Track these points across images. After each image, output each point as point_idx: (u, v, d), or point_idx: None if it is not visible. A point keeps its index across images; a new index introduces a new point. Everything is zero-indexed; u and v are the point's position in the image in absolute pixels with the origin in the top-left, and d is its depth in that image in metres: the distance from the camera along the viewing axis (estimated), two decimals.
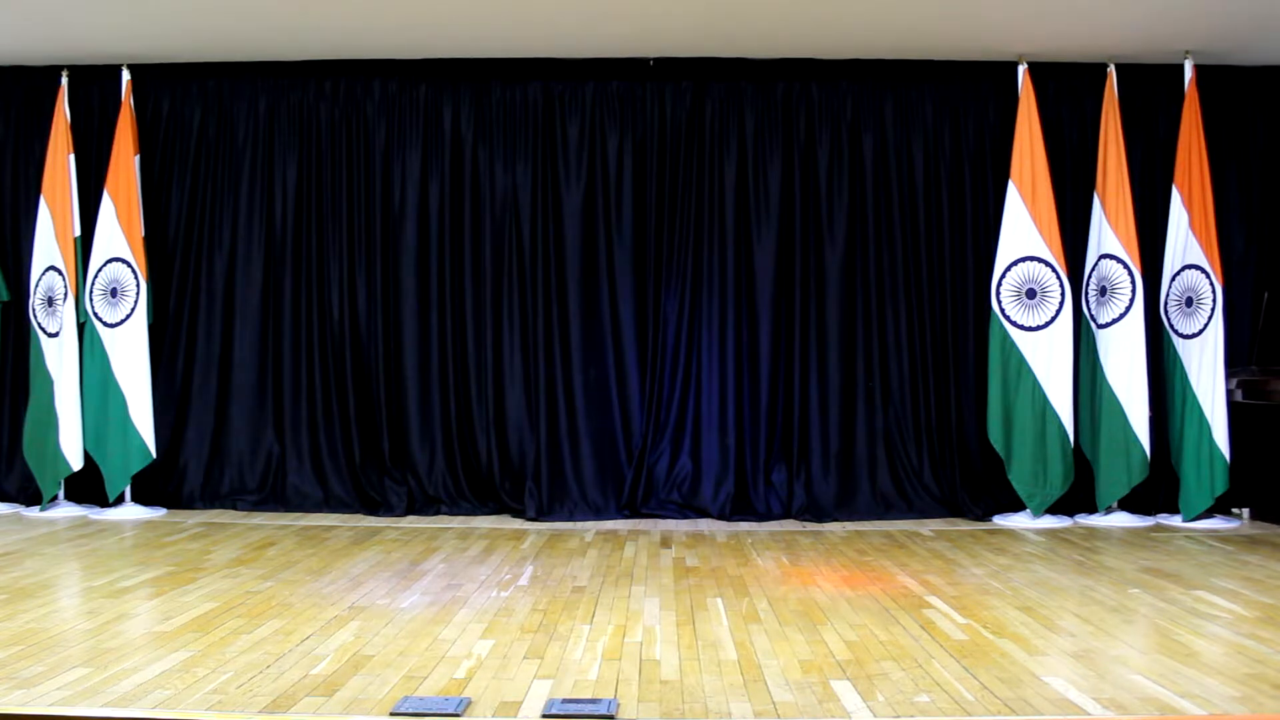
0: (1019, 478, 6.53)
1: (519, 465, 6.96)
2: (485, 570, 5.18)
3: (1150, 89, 6.88)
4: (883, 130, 6.99)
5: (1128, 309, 6.45)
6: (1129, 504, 6.60)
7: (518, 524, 6.60)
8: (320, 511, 6.87)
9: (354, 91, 7.08)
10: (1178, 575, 5.05)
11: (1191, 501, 6.44)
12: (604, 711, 3.07)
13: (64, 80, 6.84)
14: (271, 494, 7.00)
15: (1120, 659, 3.64)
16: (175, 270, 7.07)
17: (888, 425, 6.92)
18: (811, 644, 3.84)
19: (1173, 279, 6.56)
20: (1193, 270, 6.51)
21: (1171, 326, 6.58)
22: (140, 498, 6.81)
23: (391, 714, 3.06)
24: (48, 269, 6.73)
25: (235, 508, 6.93)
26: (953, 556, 5.53)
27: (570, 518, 6.73)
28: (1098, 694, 3.24)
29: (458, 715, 3.05)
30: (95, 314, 6.68)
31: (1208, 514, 6.49)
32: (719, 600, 4.54)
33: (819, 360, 6.93)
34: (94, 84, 7.02)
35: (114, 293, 6.68)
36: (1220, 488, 6.40)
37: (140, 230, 6.73)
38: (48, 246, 6.73)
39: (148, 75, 6.98)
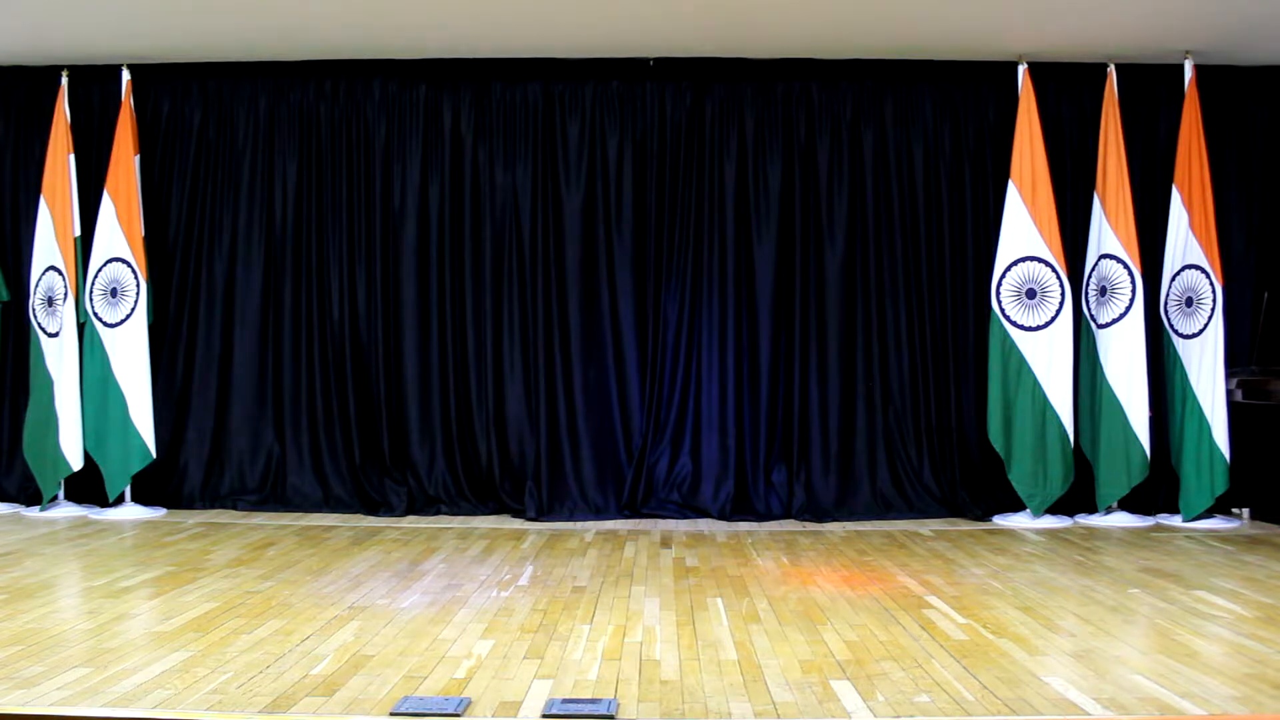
0: (1019, 478, 6.53)
1: (519, 465, 6.96)
2: (485, 570, 5.18)
3: (1150, 89, 6.87)
4: (883, 130, 7.00)
5: (1128, 309, 6.45)
6: (1129, 504, 6.60)
7: (518, 524, 6.60)
8: (320, 511, 6.87)
9: (354, 91, 7.08)
10: (1178, 575, 5.05)
11: (1191, 501, 6.44)
12: (604, 711, 3.07)
13: (64, 80, 6.84)
14: (271, 494, 7.00)
15: (1120, 659, 3.64)
16: (175, 270, 7.07)
17: (888, 425, 6.92)
18: (811, 644, 3.84)
19: (1173, 279, 6.56)
20: (1193, 270, 6.51)
21: (1171, 326, 6.58)
22: (140, 498, 6.81)
23: (391, 714, 3.06)
24: (48, 269, 6.73)
25: (235, 508, 6.93)
26: (953, 556, 5.53)
27: (570, 518, 6.73)
28: (1098, 694, 3.24)
29: (458, 715, 3.05)
30: (95, 314, 6.68)
31: (1208, 514, 6.49)
32: (719, 600, 4.54)
33: (819, 360, 6.94)
34: (94, 84, 7.02)
35: (114, 293, 6.68)
36: (1220, 488, 6.40)
37: (140, 230, 6.73)
38: (48, 246, 6.73)
39: (148, 75, 6.98)
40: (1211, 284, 6.46)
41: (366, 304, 7.04)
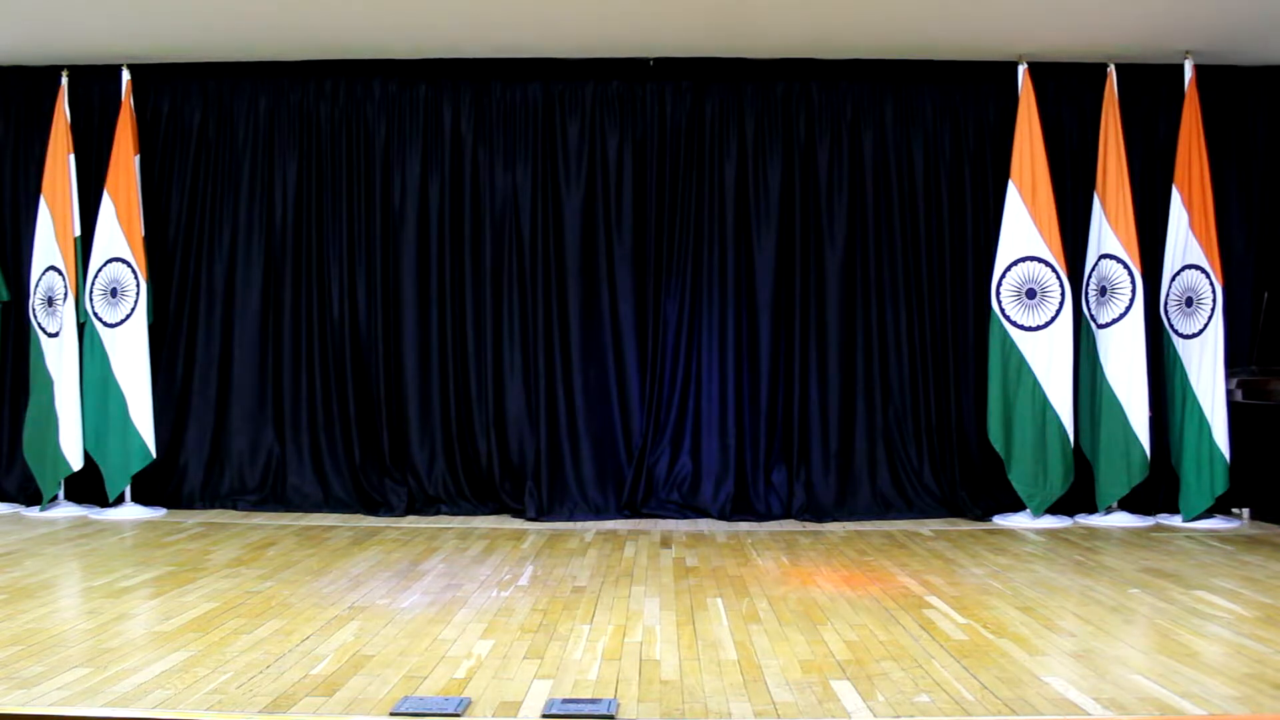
0: (1019, 478, 6.53)
1: (519, 465, 6.96)
2: (485, 570, 5.18)
3: (1150, 89, 6.88)
4: (883, 130, 7.00)
5: (1128, 309, 6.45)
6: (1129, 504, 6.60)
7: (518, 524, 6.60)
8: (320, 511, 6.87)
9: (354, 91, 7.08)
10: (1178, 575, 5.05)
11: (1191, 501, 6.45)
12: (604, 711, 3.07)
13: (64, 80, 6.84)
14: (271, 494, 7.00)
15: (1120, 659, 3.64)
16: (175, 270, 7.07)
17: (888, 425, 6.92)
18: (811, 644, 3.84)
19: (1173, 279, 6.56)
20: (1193, 270, 6.51)
21: (1171, 326, 6.58)
22: (140, 498, 6.81)
23: (391, 714, 3.06)
24: (48, 269, 6.73)
25: (235, 508, 6.93)
26: (953, 556, 5.53)
27: (570, 518, 6.73)
28: (1098, 694, 3.24)
29: (458, 715, 3.05)
30: (95, 314, 6.68)
31: (1208, 514, 6.49)
32: (719, 600, 4.54)
33: (819, 360, 6.94)
34: (94, 84, 7.02)
35: (114, 293, 6.68)
36: (1220, 488, 6.40)
37: (140, 230, 6.73)
38: (48, 246, 6.73)
39: (148, 75, 6.98)
40: (1211, 284, 6.46)
41: (366, 304, 7.04)
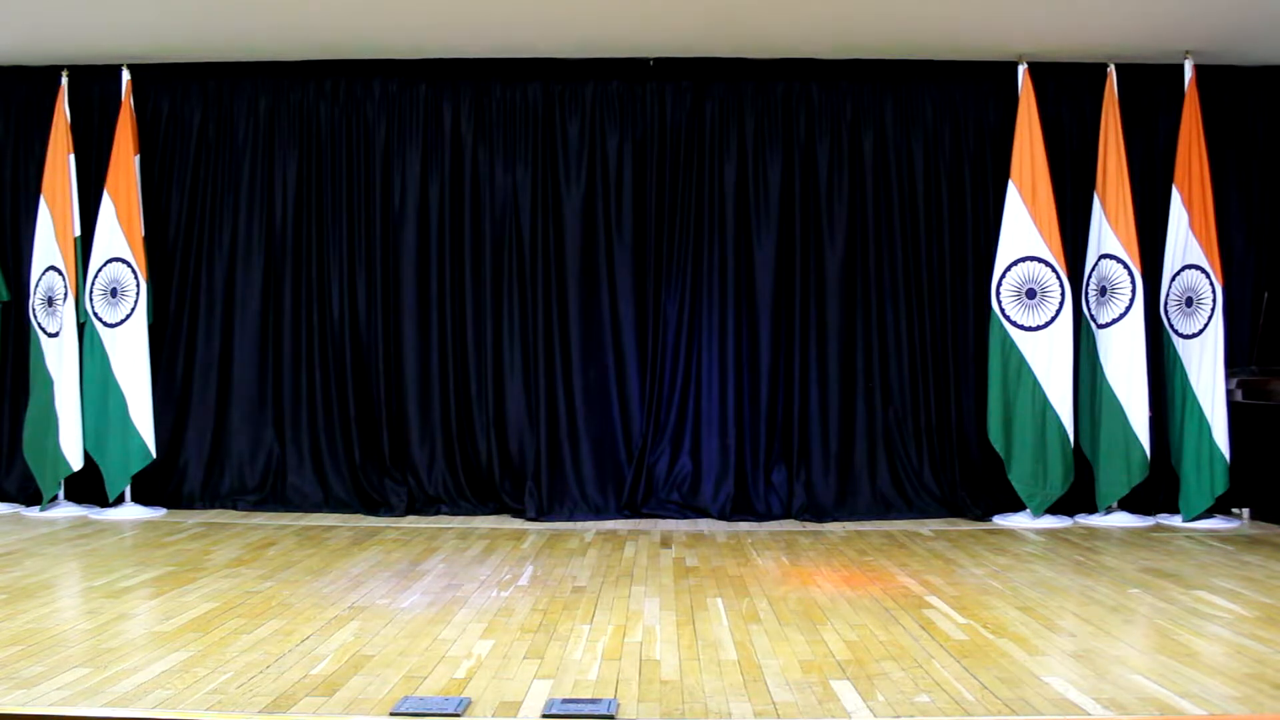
0: (1019, 478, 6.53)
1: (519, 465, 6.96)
2: (485, 570, 5.18)
3: (1150, 89, 6.88)
4: (883, 130, 7.00)
5: (1128, 309, 6.45)
6: (1129, 504, 6.60)
7: (518, 524, 6.60)
8: (320, 511, 6.87)
9: (354, 91, 7.08)
10: (1178, 575, 5.05)
11: (1191, 501, 6.45)
12: (604, 711, 3.07)
13: (64, 80, 6.84)
14: (271, 494, 7.00)
15: (1120, 659, 3.64)
16: (175, 270, 7.07)
17: (888, 425, 6.92)
18: (811, 644, 3.84)
19: (1173, 279, 6.56)
20: (1193, 270, 6.51)
21: (1171, 326, 6.59)
22: (140, 498, 6.81)
23: (391, 714, 3.07)
24: (48, 269, 6.73)
25: (235, 508, 6.93)
26: (953, 556, 5.53)
27: (570, 518, 6.73)
28: (1098, 694, 3.24)
29: (458, 715, 3.05)
30: (95, 314, 6.68)
31: (1208, 514, 6.49)
32: (719, 600, 4.54)
33: (819, 360, 6.94)
34: (94, 84, 7.02)
35: (114, 293, 6.68)
36: (1220, 488, 6.40)
37: (140, 230, 6.73)
38: (48, 246, 6.73)
39: (148, 75, 6.98)
40: (1211, 284, 6.46)
41: (366, 304, 7.04)
